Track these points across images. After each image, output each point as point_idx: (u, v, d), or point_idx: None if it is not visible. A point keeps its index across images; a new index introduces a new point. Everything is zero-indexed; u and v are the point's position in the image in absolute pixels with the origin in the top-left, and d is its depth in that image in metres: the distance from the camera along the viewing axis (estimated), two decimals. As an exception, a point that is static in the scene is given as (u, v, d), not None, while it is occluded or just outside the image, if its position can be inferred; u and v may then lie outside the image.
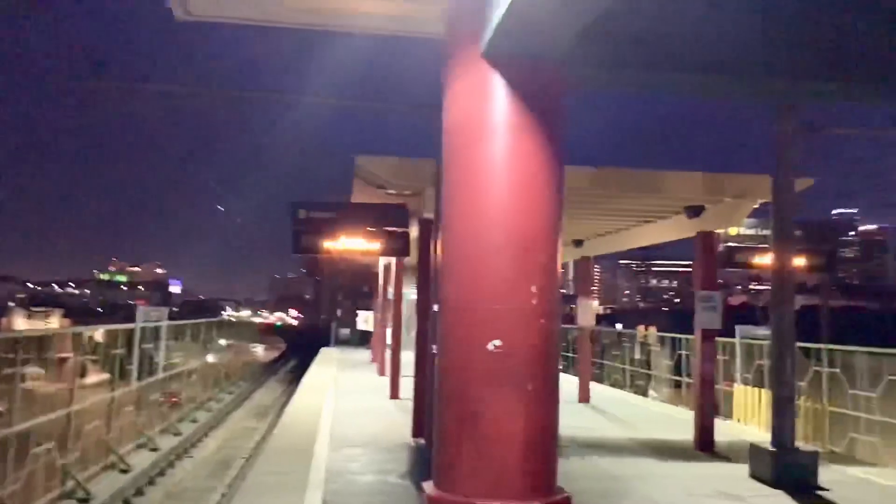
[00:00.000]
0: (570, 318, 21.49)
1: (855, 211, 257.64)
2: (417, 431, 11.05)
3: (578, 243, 16.37)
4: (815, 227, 13.87)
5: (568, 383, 17.04)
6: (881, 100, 5.75)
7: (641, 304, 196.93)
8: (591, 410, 15.36)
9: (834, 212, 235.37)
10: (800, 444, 9.35)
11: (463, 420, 4.97)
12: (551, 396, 5.09)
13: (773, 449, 8.94)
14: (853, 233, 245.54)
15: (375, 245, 10.57)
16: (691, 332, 15.60)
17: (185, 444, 16.02)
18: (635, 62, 5.45)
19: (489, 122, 5.04)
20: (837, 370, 12.59)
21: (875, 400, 11.62)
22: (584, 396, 16.39)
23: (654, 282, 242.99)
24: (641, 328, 21.40)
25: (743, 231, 11.87)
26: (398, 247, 10.54)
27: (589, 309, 17.31)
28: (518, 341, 4.93)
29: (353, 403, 15.24)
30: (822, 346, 13.44)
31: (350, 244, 10.46)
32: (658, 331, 20.71)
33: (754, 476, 9.06)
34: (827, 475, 9.02)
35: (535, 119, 5.00)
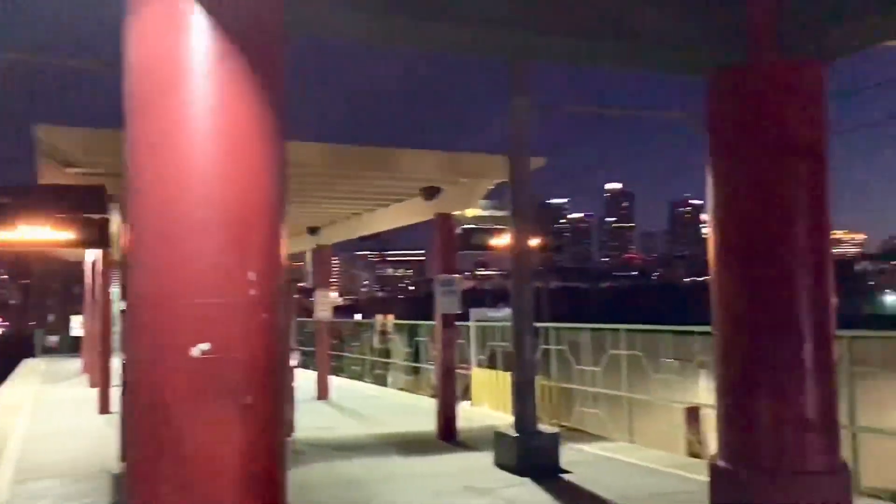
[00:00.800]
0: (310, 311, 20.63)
1: (565, 200, 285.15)
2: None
3: (314, 231, 15.41)
4: (539, 211, 14.24)
5: (306, 379, 16.14)
6: (619, 62, 5.49)
7: (380, 294, 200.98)
8: (331, 407, 14.55)
9: (546, 201, 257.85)
10: (541, 426, 9.25)
11: (161, 448, 3.81)
12: (276, 410, 4.09)
13: (517, 435, 8.70)
14: (563, 220, 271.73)
15: (66, 235, 8.77)
16: (426, 318, 15.45)
17: None
18: (362, 4, 4.60)
19: (187, 63, 3.90)
20: (565, 348, 12.98)
21: (599, 374, 12.09)
22: (324, 392, 15.55)
23: (390, 271, 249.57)
24: (380, 317, 21.25)
25: (479, 212, 11.72)
26: (95, 237, 8.84)
27: (327, 301, 16.46)
28: (233, 343, 3.86)
29: (52, 422, 13.04)
30: (550, 325, 13.83)
31: (33, 235, 8.57)
32: (396, 318, 20.71)
33: (499, 464, 8.76)
34: (567, 455, 8.98)
35: (247, 61, 3.95)
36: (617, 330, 11.83)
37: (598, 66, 5.62)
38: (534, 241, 10.90)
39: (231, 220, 3.91)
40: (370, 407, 14.55)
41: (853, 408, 7.91)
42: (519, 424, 8.84)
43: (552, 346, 13.12)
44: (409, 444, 10.44)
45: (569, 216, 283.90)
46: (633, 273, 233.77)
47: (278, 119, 4.13)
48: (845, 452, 5.82)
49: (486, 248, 11.79)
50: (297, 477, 8.45)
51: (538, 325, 12.62)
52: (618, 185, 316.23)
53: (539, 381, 12.14)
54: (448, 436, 10.77)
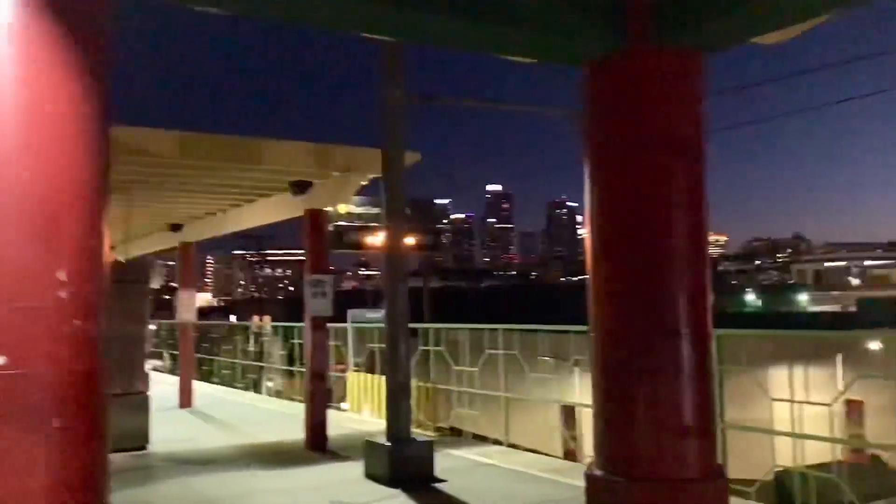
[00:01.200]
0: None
1: (448, 201, 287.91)
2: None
3: (176, 227, 14.45)
4: (420, 209, 13.92)
5: (170, 385, 15.15)
6: (500, 48, 5.14)
7: (257, 294, 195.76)
8: (194, 416, 13.66)
9: (431, 200, 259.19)
10: (416, 432, 8.87)
11: (-53, 485, 3.14)
12: (96, 431, 3.47)
13: (388, 444, 8.25)
14: (446, 220, 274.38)
15: None
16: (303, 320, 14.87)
17: None
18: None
19: (-18, 20, 3.24)
20: (442, 348, 12.70)
21: (477, 375, 11.87)
22: (187, 400, 14.60)
23: (268, 271, 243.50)
24: (256, 318, 20.54)
25: (352, 210, 11.23)
26: None
27: (191, 301, 15.50)
28: (36, 355, 3.22)
29: None
30: (429, 325, 13.52)
31: None
32: (273, 320, 20.08)
33: (370, 475, 8.28)
34: (443, 462, 8.63)
35: (66, 23, 3.32)
36: (495, 330, 11.64)
37: (479, 52, 5.26)
38: (410, 240, 10.55)
39: (35, 210, 3.27)
40: (238, 415, 13.77)
41: (722, 405, 7.96)
42: (391, 432, 8.40)
43: (431, 347, 12.81)
44: (275, 456, 9.80)
45: (451, 216, 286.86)
46: (512, 273, 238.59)
47: (103, 94, 3.51)
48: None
49: (361, 246, 11.35)
50: (145, 496, 7.72)
51: (417, 325, 12.29)
52: (498, 187, 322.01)
53: (416, 382, 11.81)
54: (318, 445, 10.19)
